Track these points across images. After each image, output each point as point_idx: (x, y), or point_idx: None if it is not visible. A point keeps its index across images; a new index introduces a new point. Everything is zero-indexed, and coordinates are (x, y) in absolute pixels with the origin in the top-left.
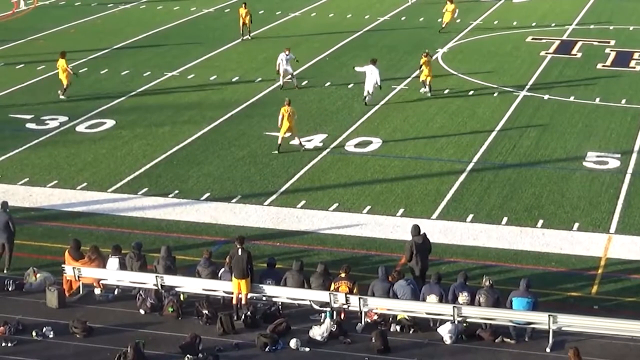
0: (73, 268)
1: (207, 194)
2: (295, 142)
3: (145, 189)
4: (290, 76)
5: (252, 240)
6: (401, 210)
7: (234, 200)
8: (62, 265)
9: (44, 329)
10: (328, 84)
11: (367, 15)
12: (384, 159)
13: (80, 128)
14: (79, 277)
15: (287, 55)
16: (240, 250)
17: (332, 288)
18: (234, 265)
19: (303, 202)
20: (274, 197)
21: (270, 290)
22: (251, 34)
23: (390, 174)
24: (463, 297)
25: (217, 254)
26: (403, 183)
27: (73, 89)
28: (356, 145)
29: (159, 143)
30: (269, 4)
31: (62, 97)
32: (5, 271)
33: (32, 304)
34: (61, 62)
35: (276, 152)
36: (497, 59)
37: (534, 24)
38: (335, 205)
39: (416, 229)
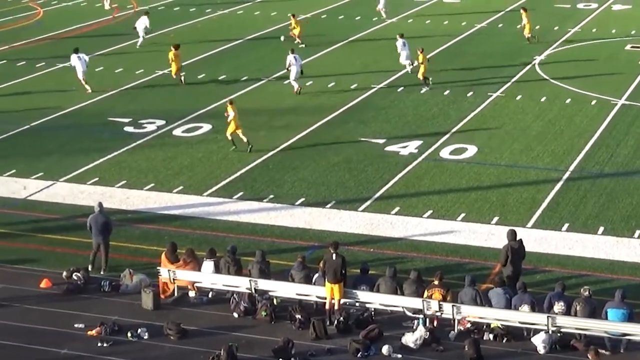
0: (168, 270)
1: (302, 199)
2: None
3: (241, 193)
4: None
5: (346, 246)
6: (496, 218)
7: (328, 206)
8: (158, 268)
9: (139, 330)
10: (424, 90)
11: (464, 22)
12: (479, 166)
13: (177, 132)
14: (174, 279)
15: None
16: (334, 255)
17: (425, 295)
18: (327, 269)
19: (397, 208)
20: (368, 203)
21: (363, 296)
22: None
23: (485, 182)
24: (559, 307)
25: (310, 259)
26: (498, 191)
27: (168, 93)
28: (451, 152)
29: (255, 147)
30: (366, 9)
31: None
32: (102, 272)
33: (127, 305)
34: (171, 54)
35: (248, 149)
36: (595, 67)
37: (633, 32)
38: (430, 212)
39: (513, 234)
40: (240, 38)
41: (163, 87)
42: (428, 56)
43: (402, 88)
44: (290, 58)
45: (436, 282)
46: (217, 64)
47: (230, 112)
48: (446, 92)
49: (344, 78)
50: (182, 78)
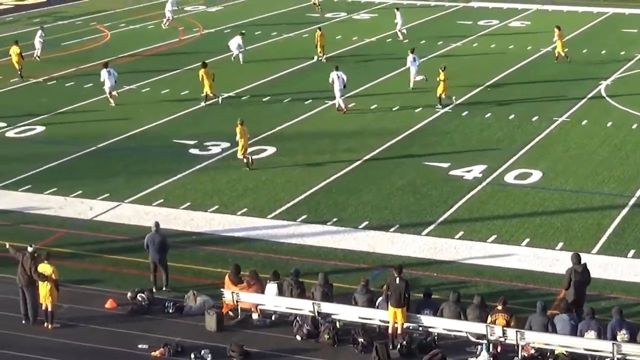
0: (232, 292)
1: (365, 222)
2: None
3: (304, 216)
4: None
5: (409, 270)
6: (560, 244)
7: (391, 229)
8: (221, 290)
9: (202, 352)
10: (489, 114)
11: (530, 46)
12: (543, 191)
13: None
14: (237, 301)
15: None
16: (397, 279)
17: (489, 320)
18: (391, 293)
19: (461, 232)
20: (432, 227)
21: (426, 320)
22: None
23: (550, 207)
24: (622, 335)
25: (374, 283)
26: (563, 216)
27: (233, 115)
28: (516, 177)
29: (319, 171)
30: (431, 32)
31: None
32: (164, 288)
33: (191, 327)
34: (201, 72)
35: (247, 168)
36: None
37: None
38: (494, 236)
39: (577, 258)
40: (305, 61)
41: (228, 109)
42: (494, 80)
43: (466, 112)
44: (333, 75)
45: (500, 307)
46: (281, 86)
47: (237, 134)
48: (511, 117)
49: (409, 101)
50: (212, 96)
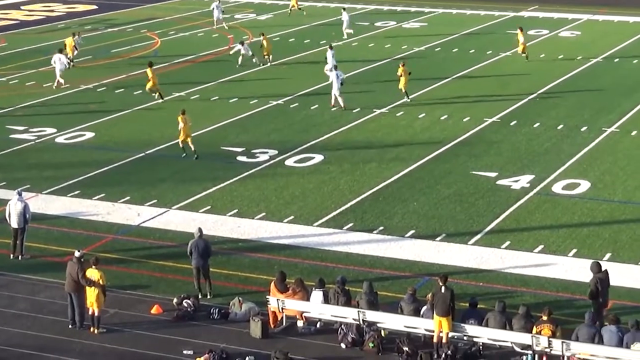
0: (277, 300)
1: (412, 231)
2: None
3: (351, 224)
4: None
5: (455, 279)
6: (608, 255)
7: (438, 239)
8: (267, 297)
9: (247, 358)
10: (537, 124)
11: (579, 57)
12: (591, 202)
13: (290, 162)
14: (282, 308)
15: None
16: (443, 288)
17: (534, 331)
18: (436, 302)
19: (508, 242)
20: (478, 236)
21: (471, 330)
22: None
23: (598, 218)
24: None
25: (419, 292)
26: (611, 227)
27: (282, 123)
28: (564, 187)
29: (366, 179)
30: (480, 42)
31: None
32: (208, 296)
33: (236, 333)
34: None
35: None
36: None
37: None
38: (541, 247)
39: (598, 266)
40: (353, 69)
41: (276, 117)
42: (543, 90)
43: (514, 122)
44: (332, 75)
45: (545, 318)
46: (329, 95)
47: (180, 123)
48: (560, 127)
49: (456, 111)
50: (157, 94)
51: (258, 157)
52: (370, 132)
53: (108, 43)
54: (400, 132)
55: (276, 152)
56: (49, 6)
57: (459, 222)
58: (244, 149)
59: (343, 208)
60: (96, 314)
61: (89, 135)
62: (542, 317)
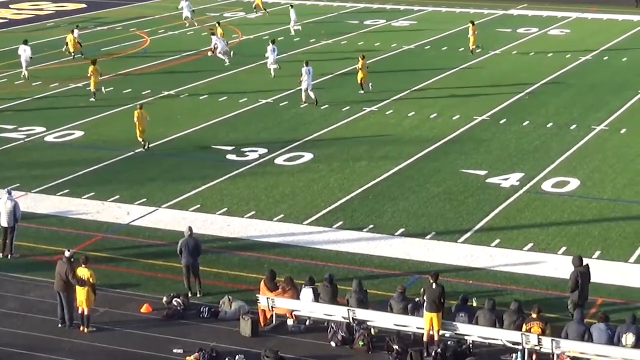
0: (267, 298)
1: (402, 230)
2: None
3: (340, 223)
4: None
5: (445, 277)
6: (597, 253)
7: (427, 237)
8: (257, 295)
9: (237, 357)
10: (527, 122)
11: (568, 55)
12: (581, 200)
13: (279, 160)
14: (272, 307)
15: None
16: (434, 285)
17: (524, 329)
18: (426, 298)
19: (497, 240)
20: (468, 234)
21: (461, 327)
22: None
23: (587, 216)
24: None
25: (409, 290)
26: (600, 225)
27: (271, 121)
28: (553, 185)
29: (355, 177)
30: (466, 42)
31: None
32: (197, 295)
33: (226, 332)
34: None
35: (143, 149)
36: None
37: None
38: (530, 245)
39: (579, 260)
40: (343, 67)
41: (266, 115)
42: (532, 88)
43: (504, 120)
44: (303, 70)
45: (534, 316)
46: (319, 93)
47: (134, 117)
48: (549, 125)
49: (446, 109)
50: (96, 94)
51: (248, 155)
52: (359, 130)
53: (97, 42)
54: (389, 130)
55: (266, 150)
56: (38, 5)
57: (449, 220)
58: (233, 147)
59: (333, 206)
60: (86, 312)
61: (78, 134)
62: (531, 314)
